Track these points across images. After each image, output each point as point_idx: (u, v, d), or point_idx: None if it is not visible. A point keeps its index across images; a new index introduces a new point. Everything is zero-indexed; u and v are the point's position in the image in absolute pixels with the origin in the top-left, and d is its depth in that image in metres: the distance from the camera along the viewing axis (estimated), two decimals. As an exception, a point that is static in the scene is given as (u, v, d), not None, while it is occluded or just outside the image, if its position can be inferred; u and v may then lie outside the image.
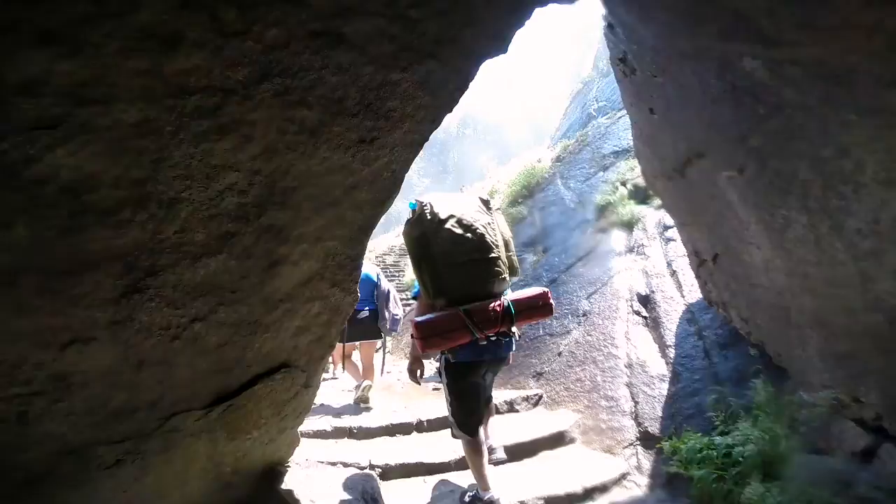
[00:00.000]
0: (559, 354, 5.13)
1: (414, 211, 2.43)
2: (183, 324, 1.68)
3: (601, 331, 5.00)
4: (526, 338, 5.53)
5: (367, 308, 4.26)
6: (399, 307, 4.58)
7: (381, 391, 4.95)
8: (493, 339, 2.29)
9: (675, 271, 5.17)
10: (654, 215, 6.21)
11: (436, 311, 2.36)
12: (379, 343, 4.75)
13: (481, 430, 2.53)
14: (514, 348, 2.54)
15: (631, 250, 5.88)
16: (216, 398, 1.98)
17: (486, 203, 2.55)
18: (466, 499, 2.65)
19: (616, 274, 5.57)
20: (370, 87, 1.76)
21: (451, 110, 2.17)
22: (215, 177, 1.54)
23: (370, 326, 4.37)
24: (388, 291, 4.44)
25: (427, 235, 2.33)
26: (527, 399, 4.71)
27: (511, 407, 4.54)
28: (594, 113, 10.56)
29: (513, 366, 5.35)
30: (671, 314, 4.76)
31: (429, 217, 2.34)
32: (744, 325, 3.70)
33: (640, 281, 5.33)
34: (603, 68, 13.21)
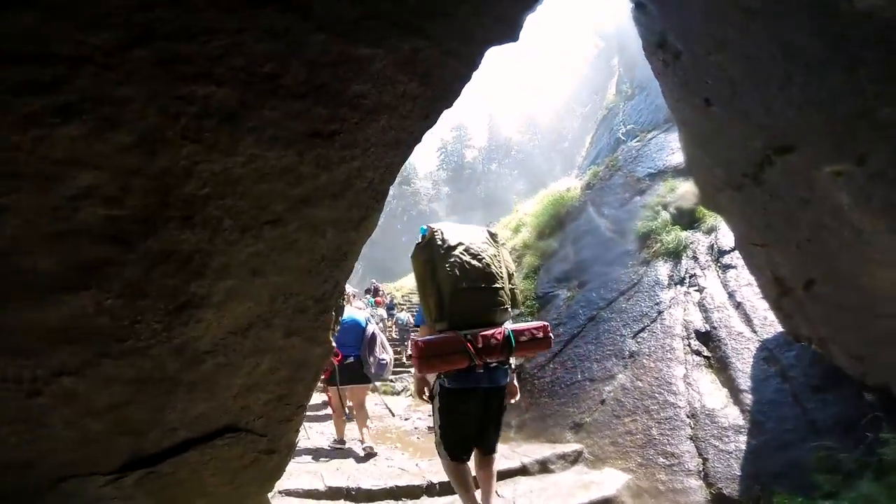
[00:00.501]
0: (602, 402, 4.39)
1: (424, 236, 2.51)
2: (41, 376, 1.22)
3: (653, 374, 4.23)
4: (561, 384, 4.83)
5: (353, 355, 4.24)
6: (387, 352, 4.50)
7: (394, 439, 4.29)
8: (491, 365, 2.31)
9: (739, 303, 4.40)
10: (704, 241, 5.52)
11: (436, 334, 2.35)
12: (370, 387, 4.62)
13: (471, 468, 2.52)
14: (509, 379, 2.52)
15: (681, 281, 5.14)
16: (127, 463, 1.44)
17: (493, 236, 2.63)
18: None
19: (666, 309, 4.85)
20: (322, 62, 1.32)
21: (450, 104, 1.78)
22: (59, 176, 1.09)
23: (357, 372, 4.27)
24: (375, 336, 4.40)
25: (435, 260, 2.39)
26: (563, 456, 3.96)
27: (544, 467, 3.78)
28: (623, 137, 10.18)
29: (546, 415, 4.67)
30: (741, 353, 4.00)
31: (439, 242, 2.40)
32: (855, 365, 2.93)
33: (696, 315, 4.57)
34: (626, 91, 13.03)
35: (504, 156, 48.69)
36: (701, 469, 3.39)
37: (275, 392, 1.77)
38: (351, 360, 4.21)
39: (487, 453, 2.52)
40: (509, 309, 2.49)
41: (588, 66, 35.19)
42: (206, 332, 1.46)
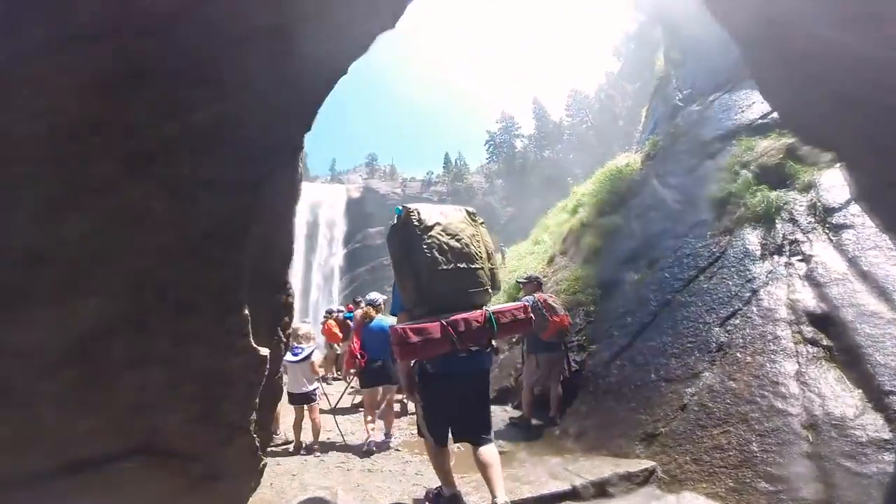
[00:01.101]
0: (683, 408, 3.55)
1: (400, 216, 2.43)
2: None
3: (752, 372, 3.33)
4: (630, 384, 4.04)
5: (379, 359, 4.48)
6: None
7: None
8: (472, 349, 2.29)
9: (866, 272, 3.35)
10: (802, 200, 4.48)
11: (415, 320, 2.28)
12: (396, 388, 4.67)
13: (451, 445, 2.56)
14: (492, 360, 2.51)
15: (778, 250, 4.12)
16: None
17: (471, 215, 2.57)
18: (430, 496, 2.71)
19: (762, 286, 3.87)
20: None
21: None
22: None
23: (383, 374, 4.50)
24: None
25: (412, 241, 2.32)
26: (629, 477, 3.14)
27: (601, 490, 3.00)
28: (680, 103, 9.44)
29: (611, 422, 3.93)
30: (880, 340, 3.02)
31: (415, 223, 2.33)
32: None
33: (805, 293, 3.58)
34: (676, 58, 12.14)
35: (556, 141, 46.95)
36: (822, 499, 2.54)
37: (192, 411, 1.49)
38: (378, 363, 4.49)
39: (479, 444, 2.39)
40: (490, 290, 2.46)
41: (630, 40, 34.50)
42: (51, 336, 1.16)
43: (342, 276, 43.88)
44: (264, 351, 1.56)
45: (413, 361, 2.44)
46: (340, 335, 9.06)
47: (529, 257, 10.63)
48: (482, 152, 55.09)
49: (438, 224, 2.35)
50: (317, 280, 43.07)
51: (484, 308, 2.37)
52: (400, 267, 2.39)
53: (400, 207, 2.47)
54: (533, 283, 5.00)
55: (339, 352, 9.21)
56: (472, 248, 2.37)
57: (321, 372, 5.13)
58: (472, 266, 2.35)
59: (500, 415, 5.30)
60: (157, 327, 1.30)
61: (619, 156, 12.83)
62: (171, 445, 1.47)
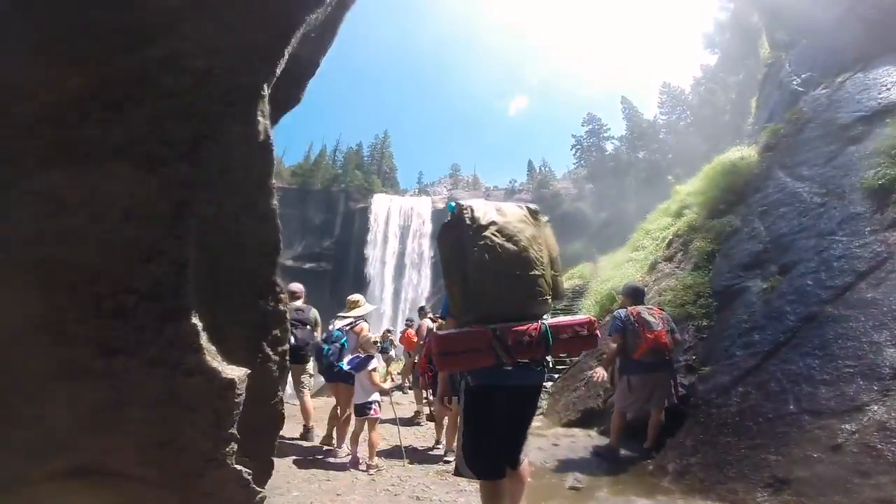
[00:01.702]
0: (835, 448, 2.84)
1: (453, 214, 2.25)
2: None
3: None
4: (757, 416, 3.41)
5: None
6: None
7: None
8: (523, 363, 2.04)
9: None
10: None
11: (461, 328, 2.10)
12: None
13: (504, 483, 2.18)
14: (545, 377, 2.28)
15: (973, 249, 3.13)
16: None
17: (533, 213, 2.30)
18: None
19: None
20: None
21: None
22: None
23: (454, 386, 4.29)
24: None
25: (463, 242, 2.13)
26: None
27: None
28: (799, 87, 8.50)
29: (725, 461, 3.28)
30: None
31: (468, 222, 2.14)
32: None
33: None
34: (783, 40, 11.18)
35: (651, 140, 43.74)
36: None
37: (145, 435, 1.27)
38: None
39: (515, 466, 2.20)
40: (549, 300, 2.20)
41: (725, 30, 31.93)
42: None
43: (432, 286, 44.79)
44: (233, 372, 1.27)
45: (455, 373, 2.27)
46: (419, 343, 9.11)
47: (627, 265, 9.89)
48: (568, 158, 53.15)
49: (494, 223, 2.12)
50: (407, 292, 44.51)
51: (540, 320, 2.11)
52: (448, 270, 2.18)
53: (453, 204, 2.26)
54: (630, 296, 4.40)
55: (416, 360, 9.28)
56: (532, 251, 2.12)
57: (386, 383, 4.94)
58: (531, 272, 2.10)
59: (583, 440, 4.76)
60: (77, 333, 1.07)
61: (729, 151, 11.58)
62: (130, 470, 1.27)
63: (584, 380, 6.01)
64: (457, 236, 2.16)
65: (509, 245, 2.09)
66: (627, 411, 4.06)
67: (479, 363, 2.01)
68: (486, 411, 2.14)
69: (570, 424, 5.54)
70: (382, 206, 48.69)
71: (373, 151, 65.50)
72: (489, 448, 2.14)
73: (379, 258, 45.83)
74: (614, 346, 4.06)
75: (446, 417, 4.55)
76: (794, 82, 8.37)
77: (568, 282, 20.25)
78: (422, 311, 8.91)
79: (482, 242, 2.06)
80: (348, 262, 46.04)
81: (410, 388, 8.99)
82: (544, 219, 2.36)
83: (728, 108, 34.24)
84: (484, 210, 2.17)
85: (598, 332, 2.21)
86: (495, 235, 2.08)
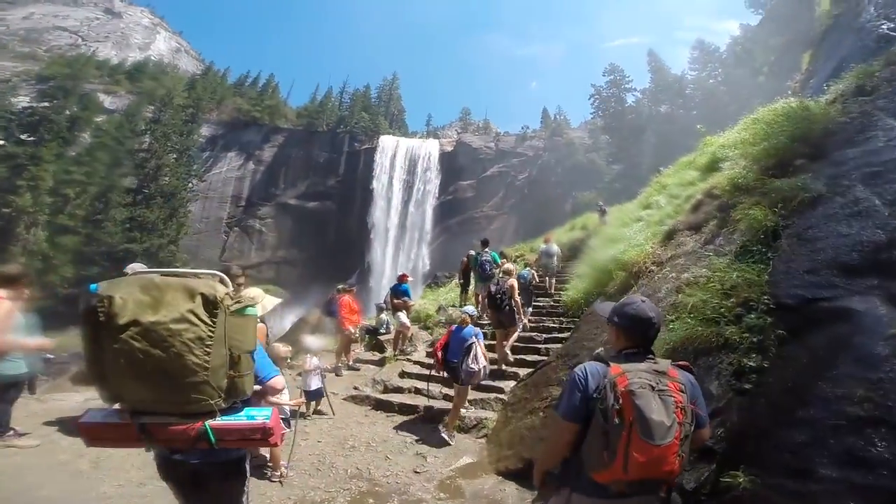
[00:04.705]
0: None
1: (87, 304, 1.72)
2: None
3: None
4: None
5: (454, 360, 5.42)
6: (478, 363, 5.33)
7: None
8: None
9: None
10: None
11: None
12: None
13: None
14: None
15: None
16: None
17: (212, 303, 1.74)
18: None
19: None
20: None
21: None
22: None
23: (456, 374, 5.46)
24: (472, 347, 5.37)
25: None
26: None
27: None
28: (891, 32, 7.94)
29: None
30: None
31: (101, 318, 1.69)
32: None
33: None
34: None
35: (676, 95, 41.63)
36: None
37: None
38: (454, 363, 5.39)
39: None
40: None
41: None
42: None
43: (433, 227, 44.52)
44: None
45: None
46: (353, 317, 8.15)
47: (636, 226, 7.65)
48: (587, 106, 51.13)
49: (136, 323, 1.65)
50: (411, 233, 44.28)
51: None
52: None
53: (96, 286, 1.73)
54: (624, 332, 1.98)
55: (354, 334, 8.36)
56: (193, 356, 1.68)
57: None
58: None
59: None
60: None
61: (777, 100, 10.18)
62: None
63: (547, 400, 4.71)
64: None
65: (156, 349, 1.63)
66: None
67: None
68: None
69: (506, 473, 4.46)
70: (389, 147, 47.31)
71: (381, 93, 62.82)
72: None
73: (384, 196, 45.20)
74: (558, 441, 1.92)
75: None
76: (885, 26, 7.68)
77: (569, 234, 18.08)
78: (340, 289, 8.39)
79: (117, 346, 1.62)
80: (354, 202, 45.39)
81: (351, 368, 8.27)
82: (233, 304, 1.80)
83: (765, 70, 32.56)
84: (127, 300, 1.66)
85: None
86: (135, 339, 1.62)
